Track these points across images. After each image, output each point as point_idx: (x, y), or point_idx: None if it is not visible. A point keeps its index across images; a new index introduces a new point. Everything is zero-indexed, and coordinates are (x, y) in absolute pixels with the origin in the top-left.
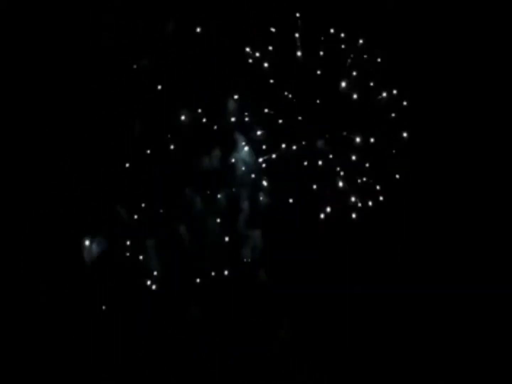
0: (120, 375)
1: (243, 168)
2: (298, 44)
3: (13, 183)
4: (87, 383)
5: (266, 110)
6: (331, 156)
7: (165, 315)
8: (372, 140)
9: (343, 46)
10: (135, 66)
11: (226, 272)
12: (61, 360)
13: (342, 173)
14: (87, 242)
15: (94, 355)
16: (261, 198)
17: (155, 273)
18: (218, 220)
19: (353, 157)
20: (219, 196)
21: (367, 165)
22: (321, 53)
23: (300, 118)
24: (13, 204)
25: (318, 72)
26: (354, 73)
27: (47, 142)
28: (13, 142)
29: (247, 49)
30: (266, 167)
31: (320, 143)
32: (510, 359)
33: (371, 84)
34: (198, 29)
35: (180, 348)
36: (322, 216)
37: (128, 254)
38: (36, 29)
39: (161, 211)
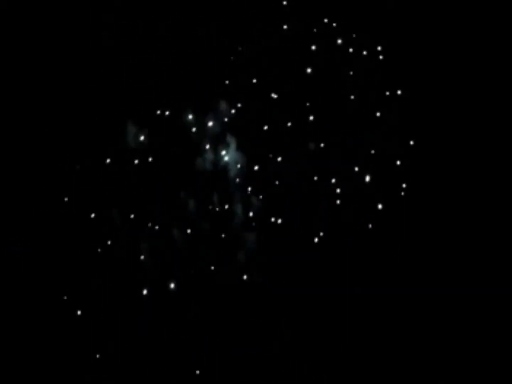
0: (120, 375)
1: (236, 171)
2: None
3: (11, 184)
4: (87, 383)
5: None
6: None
7: (164, 315)
8: (373, 151)
9: (339, 41)
10: (134, 66)
11: (225, 274)
12: (61, 360)
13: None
14: None
15: (94, 355)
16: (256, 201)
17: (144, 292)
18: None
19: (355, 168)
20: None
21: (367, 178)
22: (313, 48)
23: (290, 123)
24: (12, 204)
25: (309, 70)
26: (351, 73)
27: (47, 142)
28: (13, 142)
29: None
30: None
31: (312, 147)
32: (510, 359)
33: (371, 85)
34: (198, 29)
35: (180, 348)
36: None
37: (124, 256)
38: (36, 29)
39: (156, 214)
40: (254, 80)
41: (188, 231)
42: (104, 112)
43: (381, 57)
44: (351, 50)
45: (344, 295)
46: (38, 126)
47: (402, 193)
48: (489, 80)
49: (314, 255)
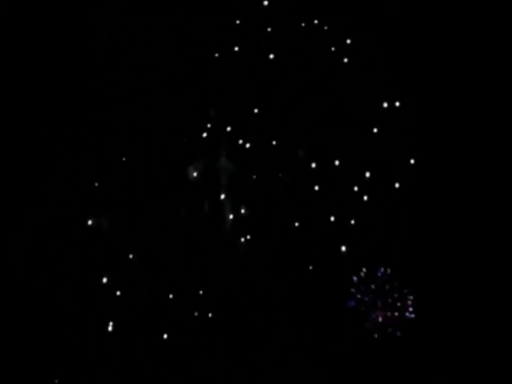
0: (120, 375)
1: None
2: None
3: (11, 184)
4: (87, 383)
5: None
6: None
7: (164, 315)
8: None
9: (333, 49)
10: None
11: (224, 274)
12: (61, 360)
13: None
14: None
15: (94, 355)
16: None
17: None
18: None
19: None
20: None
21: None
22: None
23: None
24: (12, 204)
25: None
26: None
27: (47, 142)
28: (13, 142)
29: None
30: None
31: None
32: (510, 359)
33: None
34: (198, 29)
35: (180, 348)
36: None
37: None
38: (36, 29)
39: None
40: (253, 82)
41: (187, 233)
42: (104, 112)
43: (380, 57)
44: (347, 57)
45: (345, 295)
46: (38, 126)
47: (402, 195)
48: (491, 86)
49: (313, 255)
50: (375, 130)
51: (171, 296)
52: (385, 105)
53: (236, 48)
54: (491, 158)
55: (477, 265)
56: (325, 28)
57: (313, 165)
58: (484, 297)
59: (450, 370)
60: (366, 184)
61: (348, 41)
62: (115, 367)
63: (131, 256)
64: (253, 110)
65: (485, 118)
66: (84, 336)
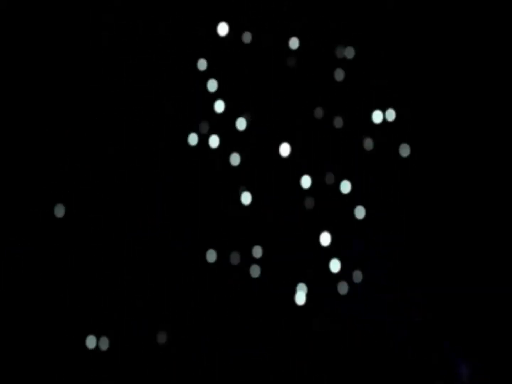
0: (120, 375)
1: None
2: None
3: (11, 184)
4: (87, 383)
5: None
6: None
7: (164, 315)
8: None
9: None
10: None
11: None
12: (61, 361)
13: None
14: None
15: (94, 356)
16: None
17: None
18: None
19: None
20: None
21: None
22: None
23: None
24: (12, 204)
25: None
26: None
27: (47, 142)
28: (13, 142)
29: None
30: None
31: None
32: (510, 359)
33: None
34: (198, 29)
35: (180, 348)
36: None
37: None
38: (36, 29)
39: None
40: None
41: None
42: (103, 112)
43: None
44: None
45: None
46: (38, 126)
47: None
48: (493, 91)
49: (313, 255)
50: (374, 131)
51: (170, 296)
52: (384, 109)
53: (236, 49)
54: (491, 159)
55: (478, 265)
56: (321, 30)
57: (313, 165)
58: (485, 297)
59: (449, 370)
60: (367, 184)
61: (346, 42)
62: (115, 367)
63: (131, 255)
64: (250, 112)
65: (487, 122)
66: (84, 336)
